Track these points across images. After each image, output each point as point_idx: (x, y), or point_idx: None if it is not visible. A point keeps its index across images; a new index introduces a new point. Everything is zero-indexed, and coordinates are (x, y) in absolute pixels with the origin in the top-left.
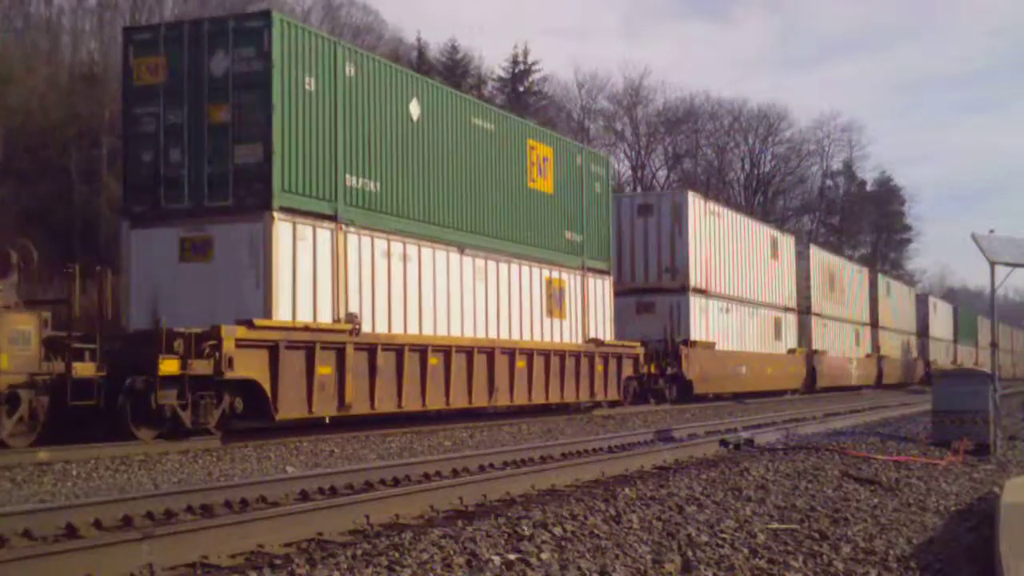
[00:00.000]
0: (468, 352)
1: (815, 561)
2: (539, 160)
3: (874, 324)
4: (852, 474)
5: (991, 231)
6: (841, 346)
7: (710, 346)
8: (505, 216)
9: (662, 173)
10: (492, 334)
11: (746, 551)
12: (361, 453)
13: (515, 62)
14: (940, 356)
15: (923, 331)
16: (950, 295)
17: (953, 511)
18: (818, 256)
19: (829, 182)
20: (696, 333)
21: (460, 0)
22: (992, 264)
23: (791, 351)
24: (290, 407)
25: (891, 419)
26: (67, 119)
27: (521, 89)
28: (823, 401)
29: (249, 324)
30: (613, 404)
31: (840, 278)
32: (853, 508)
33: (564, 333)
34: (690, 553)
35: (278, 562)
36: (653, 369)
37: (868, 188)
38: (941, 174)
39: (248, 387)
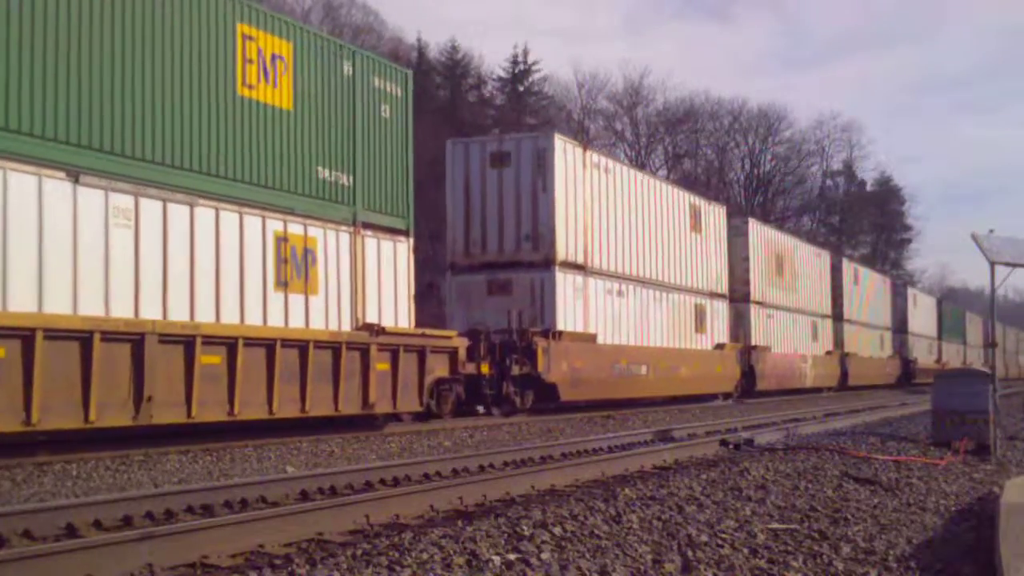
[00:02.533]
0: (82, 338)
1: (815, 561)
2: (262, 58)
3: (838, 317)
4: (852, 474)
5: (991, 231)
6: (792, 341)
7: (587, 339)
8: (187, 132)
9: (662, 173)
10: (160, 313)
11: (746, 551)
12: (361, 453)
13: (515, 62)
14: (922, 354)
15: (901, 326)
16: (950, 295)
17: (953, 511)
18: (760, 232)
19: (829, 182)
20: (567, 320)
21: (460, 0)
22: (992, 264)
23: (719, 347)
24: None
25: (891, 419)
26: None
27: (521, 89)
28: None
29: None
30: (422, 417)
31: (792, 261)
32: (853, 508)
33: (314, 315)
34: (690, 553)
35: (278, 562)
36: (487, 369)
37: (868, 188)
38: (941, 174)
39: None
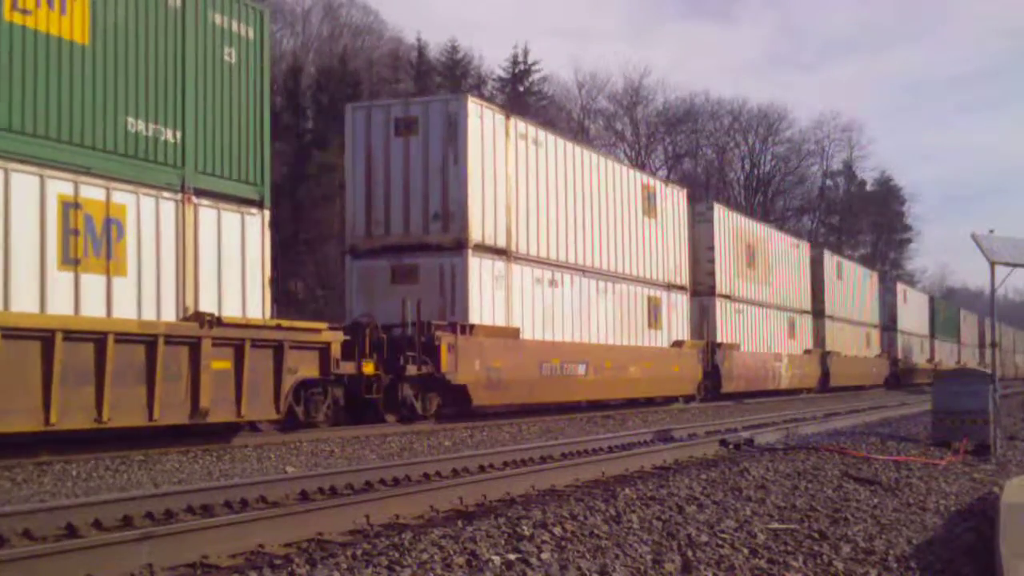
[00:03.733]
0: None
1: (815, 561)
2: None
3: (818, 313)
4: (852, 474)
5: (991, 231)
6: (765, 339)
7: (508, 334)
8: None
9: (662, 173)
10: None
11: (746, 551)
12: (361, 453)
13: (515, 62)
14: (912, 353)
15: (890, 323)
16: (950, 295)
17: (953, 511)
18: (728, 219)
19: (829, 182)
20: (483, 312)
21: (460, 0)
22: (992, 264)
23: (677, 344)
24: None
25: (891, 419)
26: None
27: (521, 89)
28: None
29: None
30: (287, 426)
31: (765, 252)
32: (853, 508)
33: (120, 302)
34: (690, 553)
35: (278, 562)
36: (371, 368)
37: (868, 188)
38: (941, 174)
39: None
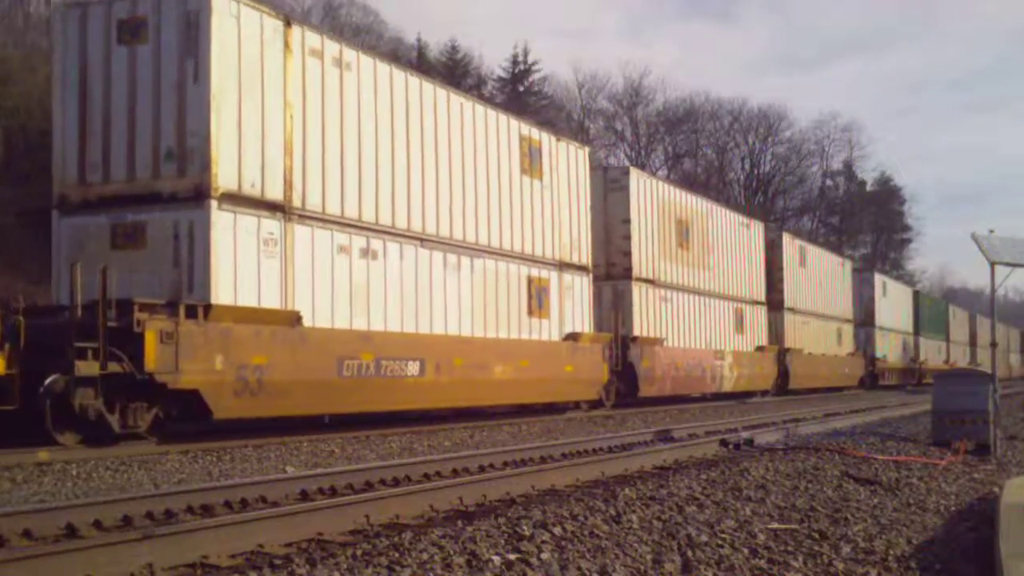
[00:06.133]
0: None
1: (815, 561)
2: None
3: (776, 304)
4: (852, 474)
5: (991, 231)
6: (703, 333)
7: (279, 319)
8: None
9: (662, 173)
10: None
11: (746, 551)
12: (361, 453)
13: (515, 62)
14: (893, 352)
15: (866, 319)
16: (950, 295)
17: (953, 511)
18: (651, 189)
19: (829, 182)
20: (239, 290)
21: (460, 0)
22: (992, 264)
23: (572, 337)
24: None
25: (891, 419)
26: None
27: (521, 89)
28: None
29: None
30: None
31: (704, 230)
32: (853, 508)
33: None
34: (690, 553)
35: (278, 562)
36: (2, 368)
37: (868, 188)
38: (941, 174)
39: None
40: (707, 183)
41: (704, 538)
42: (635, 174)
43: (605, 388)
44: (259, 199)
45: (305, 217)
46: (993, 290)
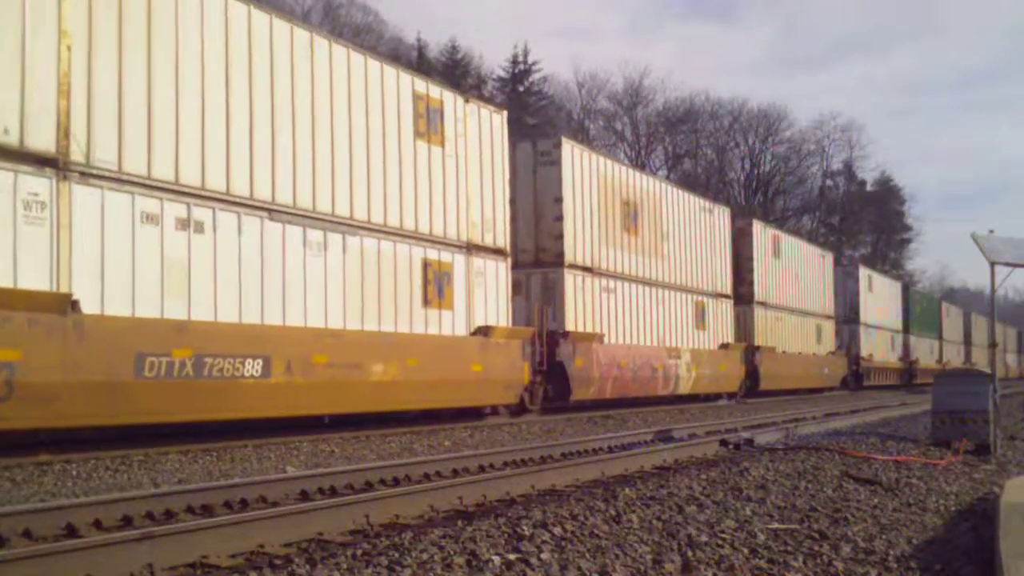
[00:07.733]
0: None
1: (815, 561)
2: None
3: (744, 299)
4: (852, 474)
5: (991, 231)
6: (654, 329)
7: (38, 304)
8: None
9: (662, 173)
10: None
11: (746, 551)
12: (361, 453)
13: (515, 62)
14: (882, 350)
15: (851, 315)
16: (950, 295)
17: (953, 511)
18: (589, 165)
19: (829, 182)
20: None
21: (460, 0)
22: (992, 264)
23: (482, 331)
24: None
25: (891, 419)
26: None
27: (521, 89)
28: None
29: None
30: None
31: (655, 214)
32: (853, 508)
33: None
34: (690, 553)
35: (278, 562)
36: None
37: (868, 188)
38: (941, 174)
39: None
40: (707, 183)
41: (704, 538)
42: (568, 146)
43: (528, 390)
44: (16, 149)
45: (90, 176)
46: (993, 290)
